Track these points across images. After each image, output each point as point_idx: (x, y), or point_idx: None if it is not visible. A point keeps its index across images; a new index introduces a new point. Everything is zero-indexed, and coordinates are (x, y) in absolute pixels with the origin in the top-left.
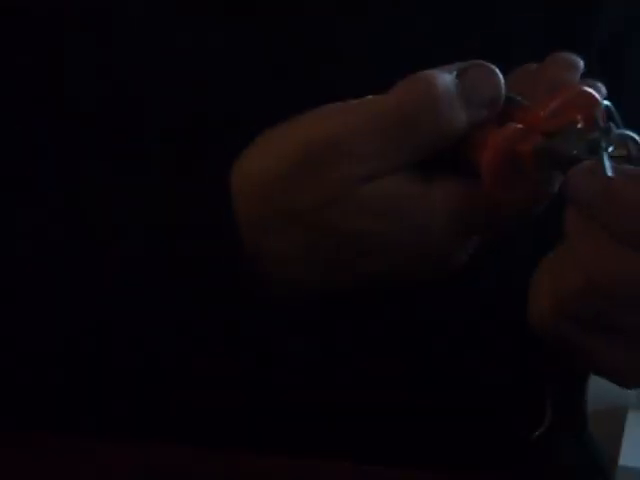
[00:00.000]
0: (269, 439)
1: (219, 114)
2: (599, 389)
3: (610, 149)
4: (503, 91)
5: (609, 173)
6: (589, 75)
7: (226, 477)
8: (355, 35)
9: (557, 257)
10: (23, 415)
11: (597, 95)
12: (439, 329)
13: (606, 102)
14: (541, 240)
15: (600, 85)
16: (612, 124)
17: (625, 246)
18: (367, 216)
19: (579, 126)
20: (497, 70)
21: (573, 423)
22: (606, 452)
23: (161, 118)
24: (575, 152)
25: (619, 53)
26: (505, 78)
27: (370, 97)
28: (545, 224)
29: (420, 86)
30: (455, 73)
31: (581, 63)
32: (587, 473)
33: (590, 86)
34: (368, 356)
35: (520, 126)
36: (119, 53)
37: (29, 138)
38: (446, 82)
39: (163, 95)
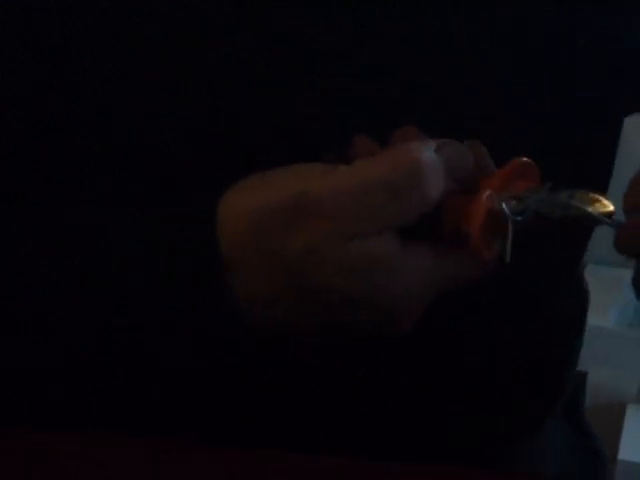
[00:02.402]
0: (268, 435)
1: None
2: (598, 384)
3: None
4: (471, 167)
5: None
6: None
7: (225, 472)
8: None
9: None
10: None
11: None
12: (438, 330)
13: None
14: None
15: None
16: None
17: None
18: (343, 272)
19: (544, 188)
20: (468, 148)
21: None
22: (605, 447)
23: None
24: (548, 210)
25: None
26: None
27: (361, 162)
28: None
29: (407, 160)
30: (433, 148)
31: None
32: (582, 457)
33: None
34: (368, 356)
35: (490, 192)
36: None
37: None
38: (430, 158)
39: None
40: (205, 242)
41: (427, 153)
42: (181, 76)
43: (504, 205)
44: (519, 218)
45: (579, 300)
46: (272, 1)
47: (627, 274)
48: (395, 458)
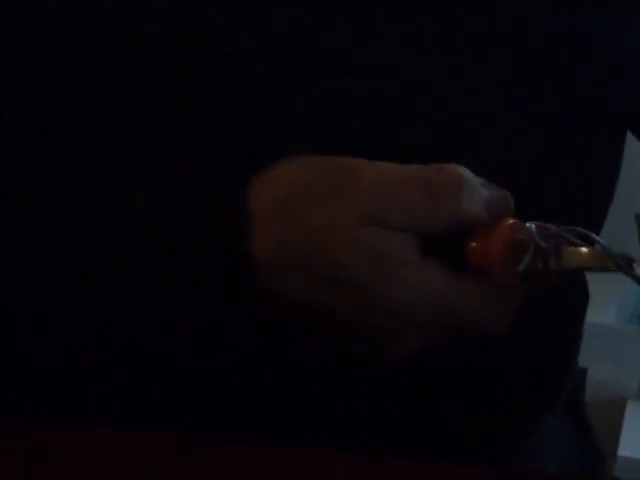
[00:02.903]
0: (270, 430)
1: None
2: (598, 380)
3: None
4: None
5: None
6: None
7: (225, 466)
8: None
9: None
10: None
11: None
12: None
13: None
14: None
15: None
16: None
17: None
18: (356, 254)
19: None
20: (510, 198)
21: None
22: (605, 442)
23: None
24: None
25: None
26: None
27: (411, 165)
28: None
29: (453, 171)
30: (482, 181)
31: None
32: (582, 453)
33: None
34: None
35: (516, 221)
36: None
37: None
38: (473, 179)
39: (178, 104)
40: (235, 208)
41: (471, 175)
42: (181, 76)
43: (533, 226)
44: (543, 244)
45: (578, 298)
46: (272, 1)
47: None
48: (394, 456)
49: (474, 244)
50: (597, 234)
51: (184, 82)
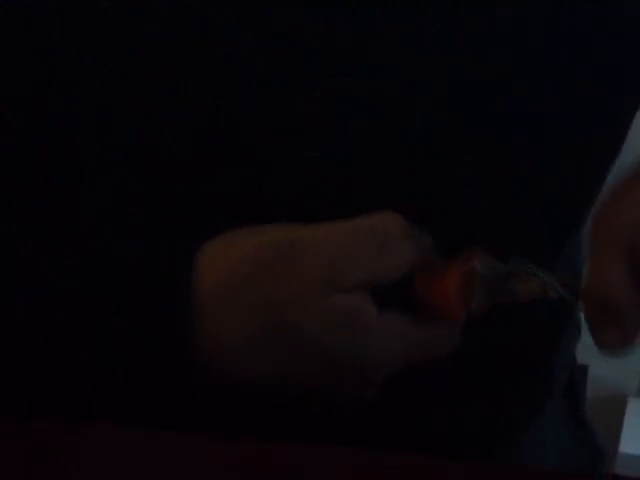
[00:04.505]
0: (270, 425)
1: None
2: (599, 377)
3: None
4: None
5: None
6: None
7: (225, 461)
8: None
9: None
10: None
11: None
12: None
13: None
14: None
15: None
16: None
17: None
18: (325, 325)
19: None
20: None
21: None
22: (606, 440)
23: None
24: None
25: None
26: None
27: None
28: None
29: (391, 217)
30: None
31: None
32: (582, 451)
33: None
34: None
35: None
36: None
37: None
38: (411, 227)
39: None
40: (178, 289)
41: (407, 222)
42: (181, 76)
43: (477, 264)
44: (490, 280)
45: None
46: (272, 1)
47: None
48: (392, 451)
49: (425, 287)
50: None
51: (184, 82)
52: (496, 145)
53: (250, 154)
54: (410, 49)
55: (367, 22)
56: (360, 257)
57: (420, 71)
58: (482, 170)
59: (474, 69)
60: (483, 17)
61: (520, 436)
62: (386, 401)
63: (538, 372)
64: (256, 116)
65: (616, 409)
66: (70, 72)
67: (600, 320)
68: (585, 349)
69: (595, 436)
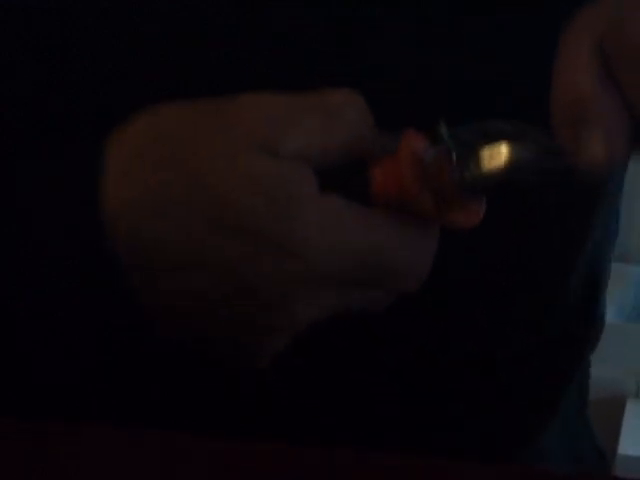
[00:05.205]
0: (269, 426)
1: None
2: (598, 378)
3: None
4: None
5: None
6: None
7: (225, 462)
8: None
9: None
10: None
11: None
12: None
13: None
14: None
15: None
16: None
17: None
18: (248, 189)
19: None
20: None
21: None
22: (605, 441)
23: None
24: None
25: None
26: None
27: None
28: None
29: (350, 92)
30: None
31: None
32: (587, 455)
33: None
34: (369, 347)
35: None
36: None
37: None
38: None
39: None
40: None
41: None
42: (181, 76)
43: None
44: (453, 147)
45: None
46: (272, 1)
47: (626, 269)
48: (395, 447)
49: (378, 171)
50: (600, 226)
51: (184, 82)
52: None
53: None
54: (410, 49)
55: (367, 22)
56: (302, 119)
57: (420, 71)
58: None
59: (474, 69)
60: (483, 17)
61: (539, 438)
62: (390, 400)
63: (564, 374)
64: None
65: (614, 411)
66: (70, 72)
67: (576, 134)
68: None
69: (595, 438)
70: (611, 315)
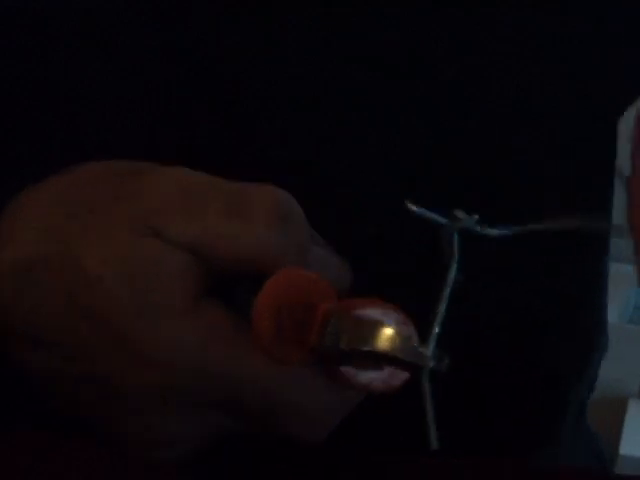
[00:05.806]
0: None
1: None
2: (599, 379)
3: None
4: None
5: None
6: None
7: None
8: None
9: None
10: None
11: None
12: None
13: None
14: None
15: None
16: None
17: None
18: (122, 266)
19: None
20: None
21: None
22: (606, 441)
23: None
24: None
25: None
26: None
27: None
28: None
29: (276, 192)
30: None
31: None
32: (584, 457)
33: None
34: None
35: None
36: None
37: None
38: (301, 213)
39: None
40: None
41: (299, 210)
42: (181, 76)
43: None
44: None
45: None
46: (272, 1)
47: (627, 270)
48: (399, 447)
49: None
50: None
51: (184, 82)
52: (496, 145)
53: (253, 155)
54: (410, 49)
55: (367, 22)
56: (199, 214)
57: (421, 71)
58: (481, 170)
59: (474, 69)
60: (483, 17)
61: (555, 440)
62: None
63: (576, 379)
64: (258, 116)
65: (616, 411)
66: (70, 72)
67: None
68: None
69: (596, 439)
70: (613, 316)
